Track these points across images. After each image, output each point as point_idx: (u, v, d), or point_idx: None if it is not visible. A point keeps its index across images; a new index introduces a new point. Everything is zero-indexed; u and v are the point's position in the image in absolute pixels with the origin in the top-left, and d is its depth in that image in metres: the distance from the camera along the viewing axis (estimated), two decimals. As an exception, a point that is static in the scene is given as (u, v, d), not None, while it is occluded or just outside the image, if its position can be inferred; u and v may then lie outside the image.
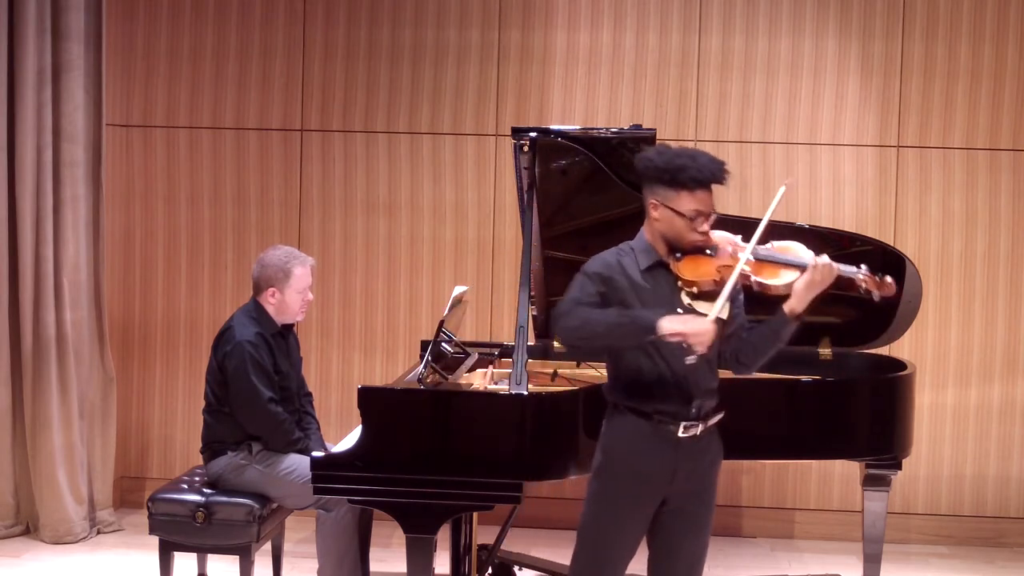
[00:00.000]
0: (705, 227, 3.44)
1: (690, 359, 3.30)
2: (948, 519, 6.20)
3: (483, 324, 6.29)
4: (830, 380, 4.66)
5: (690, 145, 6.09)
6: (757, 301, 3.55)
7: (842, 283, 3.42)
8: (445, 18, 6.29)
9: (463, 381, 4.64)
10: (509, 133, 4.59)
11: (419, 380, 4.28)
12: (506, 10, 6.26)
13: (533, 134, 4.44)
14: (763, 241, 3.52)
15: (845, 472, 6.16)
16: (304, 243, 6.29)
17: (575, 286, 3.48)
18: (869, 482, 4.59)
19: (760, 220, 3.50)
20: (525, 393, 4.04)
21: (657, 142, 4.70)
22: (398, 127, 6.32)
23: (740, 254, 3.45)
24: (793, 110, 6.18)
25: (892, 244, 5.71)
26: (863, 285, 3.41)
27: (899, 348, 5.61)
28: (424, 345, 4.90)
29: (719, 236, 3.52)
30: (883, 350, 5.22)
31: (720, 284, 3.41)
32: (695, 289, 3.45)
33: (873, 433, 4.59)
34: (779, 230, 5.00)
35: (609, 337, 3.39)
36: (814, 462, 6.15)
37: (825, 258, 3.38)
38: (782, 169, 6.16)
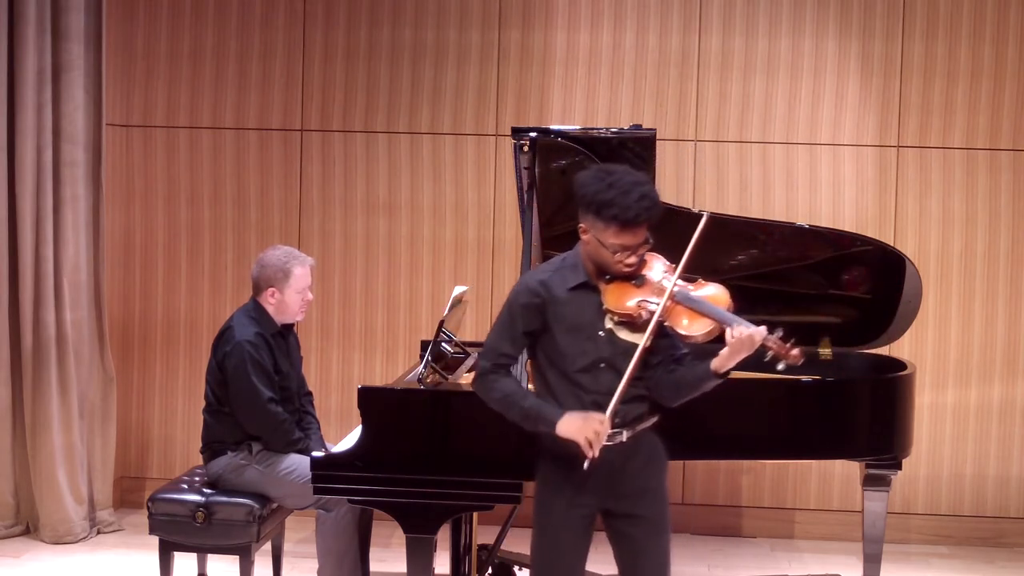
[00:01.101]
0: (631, 260, 3.38)
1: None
2: (948, 519, 6.20)
3: (483, 324, 6.28)
4: (830, 380, 4.65)
5: (690, 145, 6.17)
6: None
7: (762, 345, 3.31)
8: (445, 18, 6.29)
9: (463, 381, 4.63)
10: (509, 133, 4.59)
11: (419, 380, 4.29)
12: (506, 10, 6.26)
13: (533, 134, 4.44)
14: (692, 278, 3.46)
15: (845, 472, 6.16)
16: (304, 243, 6.29)
17: (497, 333, 3.48)
18: (869, 482, 4.59)
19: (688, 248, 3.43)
20: (525, 393, 4.03)
21: (657, 142, 4.72)
22: (398, 127, 6.32)
23: (665, 284, 3.39)
24: (793, 110, 6.18)
25: (892, 244, 5.71)
26: (771, 351, 3.31)
27: (899, 348, 5.61)
28: (424, 345, 4.90)
29: (655, 265, 3.46)
30: (883, 350, 5.22)
31: (639, 317, 3.38)
32: (616, 318, 3.42)
33: (873, 433, 4.59)
34: (778, 231, 5.05)
35: (518, 421, 3.46)
36: (814, 462, 6.15)
37: (751, 328, 3.28)
38: (782, 169, 6.16)
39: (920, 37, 6.12)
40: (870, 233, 5.83)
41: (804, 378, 4.56)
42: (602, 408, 3.35)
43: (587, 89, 6.24)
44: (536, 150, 4.44)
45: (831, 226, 5.87)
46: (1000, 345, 6.16)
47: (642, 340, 3.36)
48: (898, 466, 4.59)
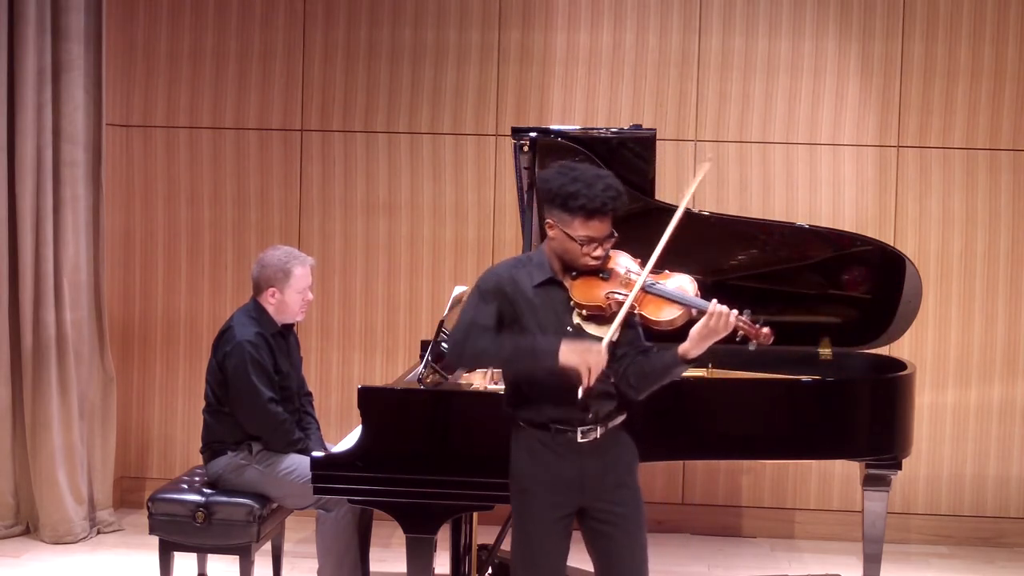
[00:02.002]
0: (598, 252, 3.42)
1: (580, 392, 3.33)
2: (948, 519, 6.20)
3: (483, 324, 6.28)
4: (830, 380, 4.65)
5: (690, 145, 6.17)
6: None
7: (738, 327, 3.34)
8: (445, 18, 6.29)
9: (463, 381, 4.64)
10: (509, 133, 4.60)
11: (419, 380, 4.29)
12: (506, 10, 6.26)
13: (533, 134, 4.45)
14: (659, 267, 3.49)
15: (845, 472, 6.16)
16: (304, 243, 6.29)
17: (470, 306, 3.48)
18: (869, 482, 4.59)
19: (666, 233, 3.46)
20: (525, 393, 4.04)
21: (657, 142, 4.73)
22: (398, 127, 6.32)
23: (633, 278, 3.43)
24: (793, 110, 6.18)
25: (892, 244, 5.71)
26: (742, 331, 3.34)
27: (899, 348, 5.61)
28: (424, 345, 4.90)
29: (621, 260, 3.51)
30: (883, 350, 5.22)
31: (608, 309, 3.41)
32: (584, 312, 3.45)
33: (873, 433, 4.59)
34: (778, 231, 5.05)
35: (509, 365, 3.45)
36: (814, 462, 6.15)
37: (723, 307, 3.32)
38: (782, 169, 6.16)
39: (920, 37, 6.12)
40: (870, 233, 5.83)
41: (804, 378, 4.56)
42: (573, 402, 3.39)
43: (587, 89, 6.24)
44: (536, 150, 4.45)
45: (831, 226, 5.87)
46: (1000, 345, 6.16)
47: (609, 333, 3.38)
48: (898, 466, 4.59)
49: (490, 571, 5.00)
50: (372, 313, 6.37)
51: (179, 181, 6.42)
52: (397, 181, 6.34)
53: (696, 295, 3.45)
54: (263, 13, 6.36)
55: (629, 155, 4.57)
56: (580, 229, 3.38)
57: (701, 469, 6.24)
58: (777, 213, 6.09)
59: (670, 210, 3.61)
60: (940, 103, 6.13)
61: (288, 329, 4.88)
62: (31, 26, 5.69)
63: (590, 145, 4.58)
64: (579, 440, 3.46)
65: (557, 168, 3.45)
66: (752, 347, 3.35)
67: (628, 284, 3.43)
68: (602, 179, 3.39)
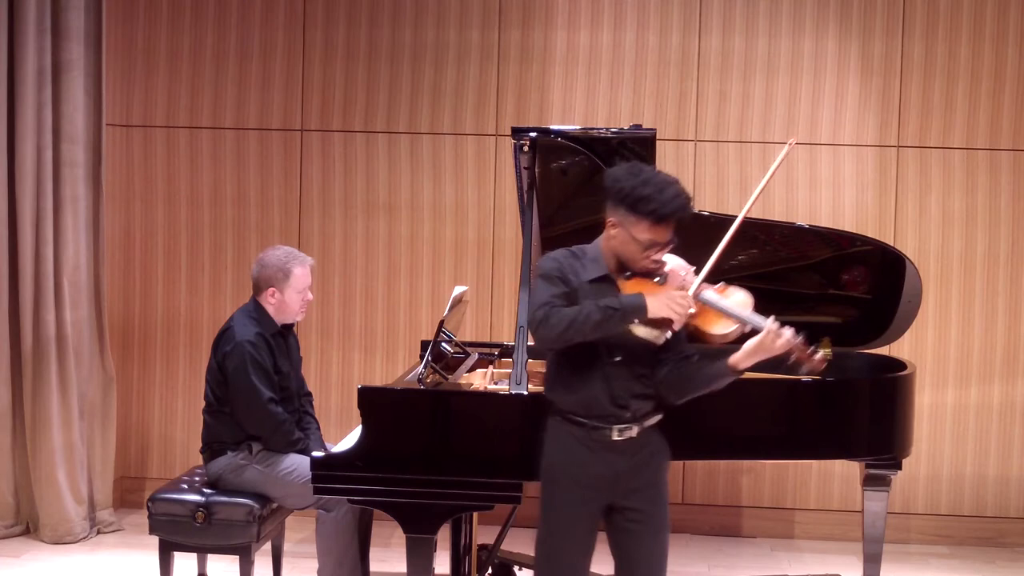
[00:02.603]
0: (658, 256, 3.44)
1: (663, 337, 3.38)
2: (948, 519, 6.20)
3: (483, 324, 6.29)
4: (830, 380, 4.65)
5: (690, 145, 6.17)
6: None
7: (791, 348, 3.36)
8: (445, 18, 6.29)
9: (463, 381, 4.64)
10: (509, 133, 4.59)
11: (419, 380, 4.28)
12: (506, 10, 6.26)
13: (533, 134, 4.44)
14: (715, 278, 3.50)
15: (845, 472, 6.16)
16: (304, 243, 6.29)
17: (539, 290, 3.48)
18: (869, 482, 4.59)
19: (720, 244, 3.50)
20: (525, 393, 4.04)
21: (657, 142, 4.72)
22: (398, 127, 6.32)
23: (688, 287, 3.45)
24: (793, 110, 6.18)
25: (892, 244, 5.71)
26: (794, 355, 3.35)
27: (899, 348, 5.61)
28: (424, 345, 4.90)
29: (674, 264, 3.51)
30: (883, 350, 5.21)
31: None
32: None
33: (873, 433, 4.58)
34: (777, 231, 5.05)
35: (598, 329, 3.37)
36: (814, 462, 6.15)
37: (786, 331, 3.33)
38: (782, 169, 6.12)
39: (920, 37, 6.12)
40: (870, 233, 5.83)
41: (804, 378, 4.56)
42: (619, 402, 3.42)
43: (587, 89, 6.24)
44: (536, 150, 4.44)
45: (831, 226, 5.87)
46: (1000, 345, 6.16)
47: (658, 336, 3.40)
48: (898, 466, 4.59)
49: (490, 571, 5.00)
50: (372, 313, 6.37)
51: (179, 181, 6.42)
52: (397, 181, 6.34)
53: (753, 311, 3.45)
54: (263, 13, 6.36)
55: (629, 155, 4.55)
56: (646, 232, 3.39)
57: (701, 469, 6.24)
58: (777, 213, 6.09)
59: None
60: (940, 103, 6.13)
61: (288, 329, 4.88)
62: (31, 26, 5.69)
63: (590, 145, 4.58)
64: (614, 438, 3.48)
65: (627, 168, 3.44)
66: (803, 372, 3.36)
67: (684, 290, 3.44)
68: (672, 185, 3.39)
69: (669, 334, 3.42)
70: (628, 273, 3.49)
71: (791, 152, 3.60)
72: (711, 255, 3.51)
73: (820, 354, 3.34)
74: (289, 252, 4.83)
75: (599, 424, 3.48)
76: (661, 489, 3.58)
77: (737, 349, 3.40)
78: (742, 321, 3.39)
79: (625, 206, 3.39)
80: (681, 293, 3.38)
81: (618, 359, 3.45)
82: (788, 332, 3.33)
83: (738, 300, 3.47)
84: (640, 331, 3.43)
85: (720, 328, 3.41)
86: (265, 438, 4.68)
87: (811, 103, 6.17)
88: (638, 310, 3.34)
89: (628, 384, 3.48)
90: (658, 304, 3.34)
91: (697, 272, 3.49)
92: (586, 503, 3.51)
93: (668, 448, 3.61)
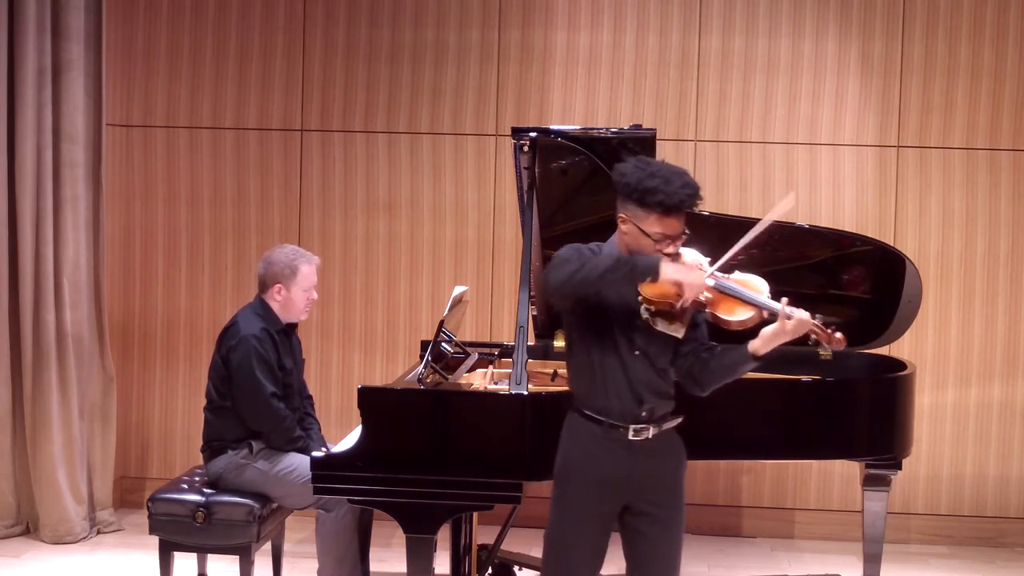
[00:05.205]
0: (671, 249, 3.42)
1: (683, 330, 3.39)
2: (948, 519, 6.20)
3: (483, 324, 6.29)
4: (830, 380, 4.65)
5: (690, 145, 6.17)
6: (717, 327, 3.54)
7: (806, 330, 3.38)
8: (445, 18, 6.29)
9: (463, 381, 4.64)
10: (509, 133, 4.59)
11: (419, 380, 4.28)
12: (506, 10, 6.26)
13: (533, 134, 4.44)
14: (729, 269, 3.51)
15: (845, 472, 6.16)
16: (304, 243, 6.29)
17: (567, 248, 3.46)
18: (869, 482, 4.59)
19: (742, 236, 3.51)
20: (525, 393, 4.04)
21: (657, 142, 4.72)
22: (398, 127, 6.32)
23: (704, 273, 3.45)
24: (793, 110, 6.18)
25: (892, 244, 5.71)
26: (815, 335, 3.38)
27: (899, 348, 5.61)
28: (424, 345, 4.90)
29: (689, 257, 3.51)
30: (883, 350, 5.22)
31: (677, 306, 3.41)
32: (653, 308, 3.44)
33: (873, 433, 4.59)
34: (778, 231, 5.05)
35: (604, 278, 3.35)
36: (814, 462, 6.15)
37: (800, 312, 3.35)
38: (782, 169, 6.16)
39: (920, 37, 6.12)
40: (870, 233, 5.83)
41: (804, 378, 4.56)
42: (637, 396, 3.43)
43: (587, 89, 6.24)
44: (536, 150, 4.44)
45: (831, 226, 5.87)
46: (1000, 345, 6.16)
47: (678, 329, 3.41)
48: (898, 466, 4.59)
49: (490, 571, 5.00)
50: (372, 313, 6.37)
51: (179, 181, 6.42)
52: (397, 181, 6.34)
53: (768, 297, 3.46)
54: (263, 13, 6.36)
55: (629, 155, 4.55)
56: (655, 225, 3.37)
57: (701, 469, 6.24)
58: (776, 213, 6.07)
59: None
60: (940, 103, 6.13)
61: (292, 328, 4.89)
62: (31, 26, 5.69)
63: (590, 145, 4.58)
64: (631, 438, 3.46)
65: (634, 162, 3.43)
66: (823, 352, 3.37)
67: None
68: (679, 176, 3.38)
69: (683, 331, 3.42)
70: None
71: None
72: (718, 254, 3.51)
73: (839, 334, 3.36)
74: (296, 250, 4.85)
75: (616, 422, 3.46)
76: (678, 493, 3.59)
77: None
78: (759, 306, 3.41)
79: (633, 200, 3.39)
80: (697, 264, 3.39)
81: (638, 352, 3.44)
82: (804, 314, 3.34)
83: (754, 286, 3.48)
84: (660, 324, 3.43)
85: (738, 315, 3.41)
86: (266, 434, 4.68)
87: (811, 103, 6.17)
88: (650, 269, 3.31)
89: (648, 379, 3.46)
90: (672, 268, 3.33)
91: (713, 264, 3.50)
92: (598, 502, 3.50)
93: (685, 451, 3.61)
